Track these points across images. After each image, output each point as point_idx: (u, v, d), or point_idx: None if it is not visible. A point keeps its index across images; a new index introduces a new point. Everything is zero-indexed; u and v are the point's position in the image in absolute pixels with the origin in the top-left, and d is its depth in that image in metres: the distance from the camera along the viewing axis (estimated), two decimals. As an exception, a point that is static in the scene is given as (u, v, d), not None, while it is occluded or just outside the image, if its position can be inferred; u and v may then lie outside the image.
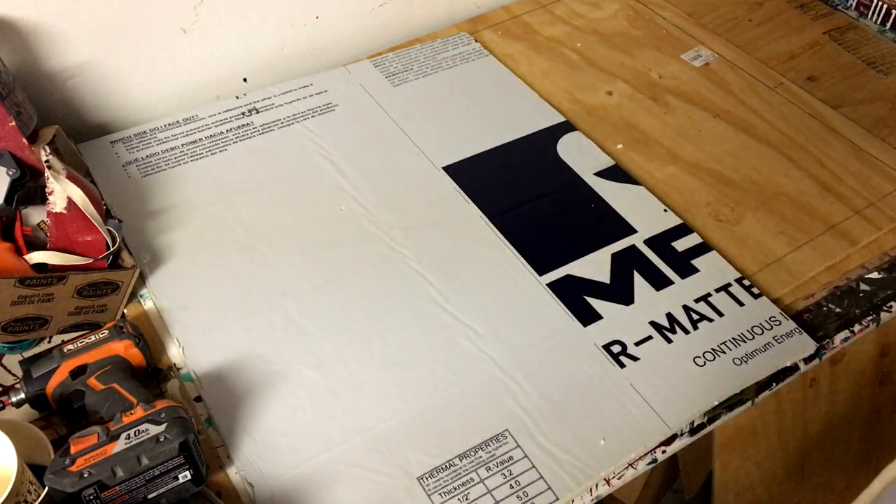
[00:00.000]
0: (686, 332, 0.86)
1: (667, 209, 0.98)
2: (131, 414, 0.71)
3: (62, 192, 0.81)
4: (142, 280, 0.89)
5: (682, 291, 0.90)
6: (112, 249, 0.84)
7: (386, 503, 0.73)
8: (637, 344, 0.85)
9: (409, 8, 1.23)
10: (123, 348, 0.78)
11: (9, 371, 0.83)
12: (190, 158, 1.02)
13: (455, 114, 1.10)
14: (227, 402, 0.79)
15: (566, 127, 1.08)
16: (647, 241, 0.94)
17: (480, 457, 0.76)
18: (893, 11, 1.25)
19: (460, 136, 1.07)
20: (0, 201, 0.83)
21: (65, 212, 0.81)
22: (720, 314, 0.88)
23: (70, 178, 0.82)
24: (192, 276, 0.89)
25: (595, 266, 0.92)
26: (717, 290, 0.90)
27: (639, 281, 0.91)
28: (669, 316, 0.87)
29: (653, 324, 0.87)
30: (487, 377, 0.82)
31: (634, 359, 0.84)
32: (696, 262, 0.92)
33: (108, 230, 0.84)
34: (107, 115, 1.08)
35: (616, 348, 0.85)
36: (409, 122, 1.08)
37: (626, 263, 0.92)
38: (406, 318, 0.86)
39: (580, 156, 1.04)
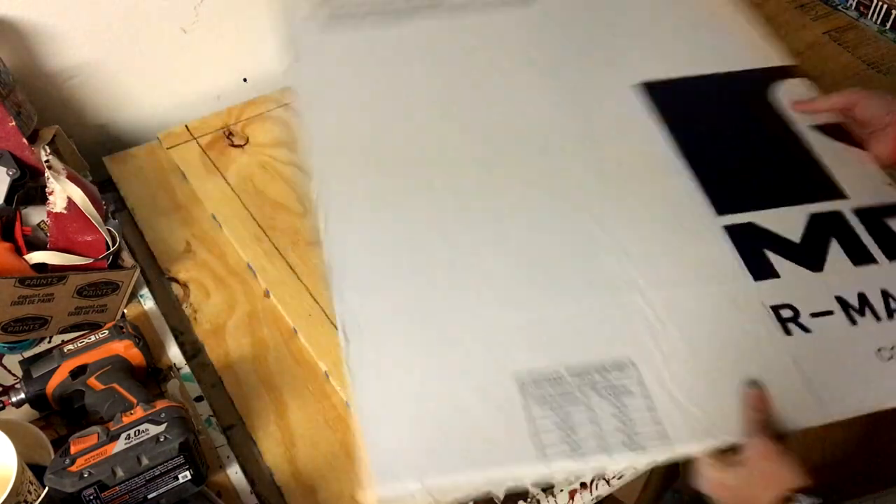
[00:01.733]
0: (877, 318, 0.74)
1: (892, 183, 0.86)
2: (131, 414, 0.71)
3: (62, 192, 0.81)
4: (143, 279, 0.90)
5: (885, 274, 0.78)
6: (112, 249, 0.84)
7: (482, 402, 0.67)
8: (814, 315, 0.74)
9: (409, 8, 1.23)
10: (123, 348, 0.78)
11: (9, 371, 0.83)
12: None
13: (662, 30, 1.01)
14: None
15: (785, 72, 0.96)
16: (858, 212, 0.82)
17: (594, 379, 0.68)
18: (893, 11, 1.25)
19: (666, 53, 0.97)
20: (0, 201, 0.83)
21: (65, 212, 0.81)
22: None
23: (70, 178, 0.83)
24: None
25: (786, 222, 0.81)
26: None
27: (835, 249, 0.79)
28: (862, 296, 0.76)
29: (839, 299, 0.75)
30: (626, 301, 0.74)
31: (806, 330, 0.73)
32: None
33: (108, 230, 0.84)
34: (107, 115, 1.08)
35: (786, 313, 0.74)
36: (612, 29, 0.99)
37: (825, 228, 0.81)
38: (550, 219, 0.79)
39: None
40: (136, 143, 1.08)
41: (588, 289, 0.75)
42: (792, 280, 0.77)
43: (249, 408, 0.82)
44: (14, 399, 0.77)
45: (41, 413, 0.78)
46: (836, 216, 0.82)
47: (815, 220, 0.82)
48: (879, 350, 0.73)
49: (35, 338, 0.84)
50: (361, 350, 0.69)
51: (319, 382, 0.84)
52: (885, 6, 1.25)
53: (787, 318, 0.74)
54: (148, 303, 0.89)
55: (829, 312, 0.75)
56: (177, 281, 0.92)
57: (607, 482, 0.79)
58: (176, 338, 0.86)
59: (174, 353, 0.84)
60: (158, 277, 0.93)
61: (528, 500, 0.77)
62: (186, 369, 0.83)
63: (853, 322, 0.74)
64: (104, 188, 0.95)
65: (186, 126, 1.08)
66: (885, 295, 0.76)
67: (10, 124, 0.85)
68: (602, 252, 0.78)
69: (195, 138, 1.06)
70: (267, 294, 0.91)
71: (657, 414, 0.67)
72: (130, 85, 1.07)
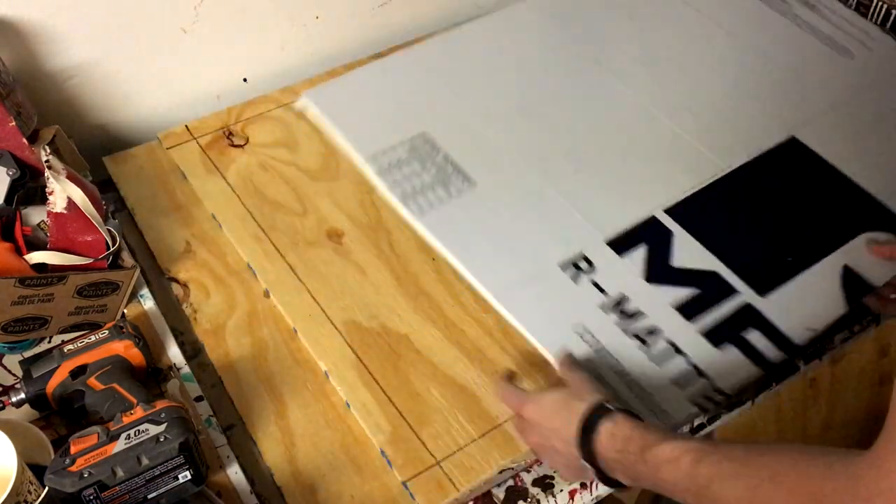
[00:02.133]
0: None
1: None
2: (131, 414, 0.71)
3: (62, 192, 0.81)
4: (143, 279, 0.90)
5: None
6: (112, 249, 0.84)
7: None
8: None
9: (409, 8, 1.23)
10: (123, 348, 0.78)
11: (9, 371, 0.83)
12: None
13: None
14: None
15: None
16: None
17: None
18: (893, 11, 1.25)
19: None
20: (0, 201, 0.83)
21: (65, 212, 0.81)
22: None
23: (70, 178, 0.82)
24: None
25: None
26: None
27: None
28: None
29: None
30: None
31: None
32: None
33: (108, 230, 0.84)
34: (107, 115, 1.08)
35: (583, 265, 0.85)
36: None
37: None
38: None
39: None
40: (136, 143, 1.08)
41: None
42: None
43: (249, 408, 0.82)
44: (14, 399, 0.77)
45: (41, 413, 0.78)
46: None
47: None
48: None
49: (35, 338, 0.84)
50: None
51: (319, 382, 0.84)
52: (885, 6, 1.25)
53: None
54: (148, 303, 0.89)
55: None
56: (177, 281, 0.92)
57: (607, 482, 0.79)
58: (176, 338, 0.86)
59: (174, 353, 0.84)
60: (158, 277, 0.93)
61: (528, 500, 0.77)
62: (186, 369, 0.83)
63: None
64: (104, 188, 0.95)
65: (186, 126, 1.08)
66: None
67: (10, 124, 0.85)
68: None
69: (195, 138, 1.06)
70: (267, 294, 0.91)
71: None
72: (130, 85, 1.07)
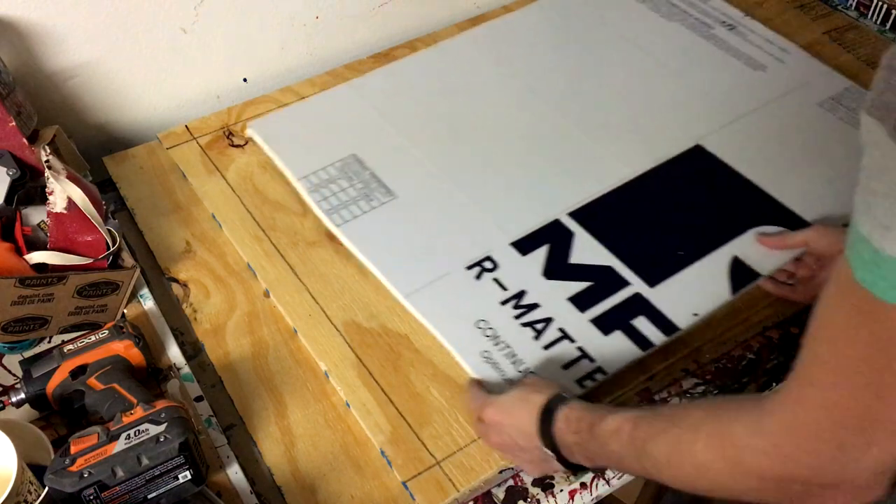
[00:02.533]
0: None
1: None
2: (131, 414, 0.71)
3: (62, 192, 0.81)
4: (143, 279, 0.90)
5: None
6: (112, 249, 0.84)
7: None
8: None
9: (409, 8, 1.23)
10: (123, 348, 0.78)
11: (9, 371, 0.83)
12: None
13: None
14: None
15: None
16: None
17: None
18: (893, 11, 1.25)
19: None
20: (0, 201, 0.83)
21: (65, 212, 0.81)
22: None
23: (70, 178, 0.82)
24: None
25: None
26: None
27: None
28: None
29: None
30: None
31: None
32: None
33: (108, 230, 0.84)
34: (107, 115, 1.08)
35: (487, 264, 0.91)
36: None
37: None
38: None
39: None
40: (136, 143, 1.08)
41: None
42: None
43: (249, 408, 0.82)
44: (14, 399, 0.77)
45: (41, 413, 0.78)
46: None
47: None
48: None
49: (35, 338, 0.84)
50: None
51: (319, 382, 0.84)
52: (885, 6, 1.25)
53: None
54: (148, 303, 0.89)
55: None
56: (177, 281, 0.92)
57: (607, 482, 0.79)
58: (176, 338, 0.86)
59: (174, 353, 0.84)
60: (158, 277, 0.93)
61: (528, 500, 0.77)
62: (186, 369, 0.83)
63: None
64: (104, 188, 0.95)
65: (186, 126, 1.08)
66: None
67: (10, 124, 0.85)
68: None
69: (195, 138, 1.06)
70: (267, 294, 0.91)
71: None
72: (130, 85, 1.07)
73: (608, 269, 0.90)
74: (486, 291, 0.88)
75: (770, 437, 0.54)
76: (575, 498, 0.78)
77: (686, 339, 0.86)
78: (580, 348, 0.83)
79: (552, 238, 0.92)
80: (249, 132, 1.06)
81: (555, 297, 0.87)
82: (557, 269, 0.90)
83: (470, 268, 0.90)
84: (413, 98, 1.09)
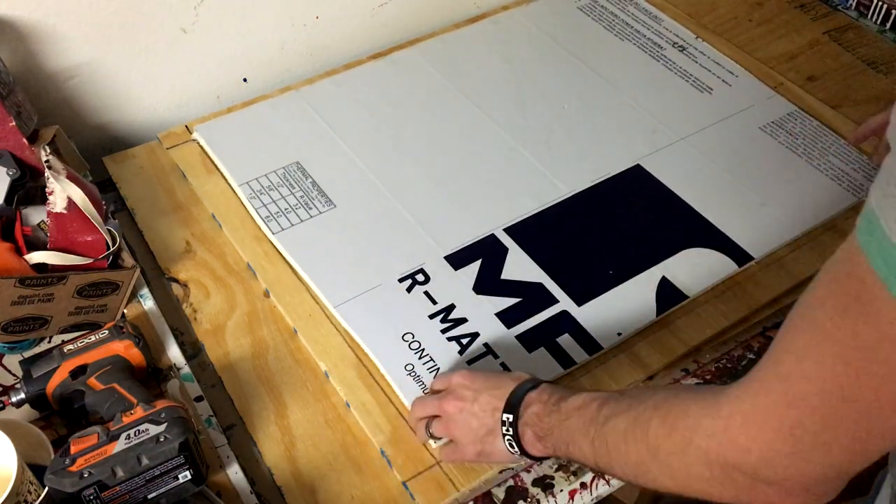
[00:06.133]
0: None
1: None
2: (131, 414, 0.71)
3: (62, 192, 0.81)
4: (143, 279, 0.90)
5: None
6: (112, 249, 0.84)
7: None
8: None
9: (409, 8, 1.23)
10: (123, 348, 0.78)
11: (9, 371, 0.83)
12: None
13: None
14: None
15: None
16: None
17: None
18: (893, 11, 1.25)
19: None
20: (0, 201, 0.83)
21: (65, 212, 0.81)
22: None
23: (70, 178, 0.83)
24: None
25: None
26: None
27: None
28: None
29: None
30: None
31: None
32: None
33: (108, 230, 0.84)
34: (107, 115, 1.08)
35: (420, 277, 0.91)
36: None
37: None
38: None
39: None
40: (136, 143, 1.08)
41: None
42: None
43: (249, 408, 0.82)
44: (14, 399, 0.77)
45: (41, 413, 0.78)
46: None
47: None
48: None
49: (35, 338, 0.84)
50: None
51: (319, 382, 0.84)
52: (885, 6, 1.25)
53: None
54: (148, 303, 0.89)
55: None
56: (177, 281, 0.92)
57: (607, 482, 0.79)
58: (176, 338, 0.86)
59: (174, 353, 0.84)
60: (158, 277, 0.93)
61: (528, 500, 0.77)
62: (186, 369, 0.83)
63: None
64: (104, 188, 0.95)
65: (186, 126, 1.08)
66: None
67: (10, 124, 0.85)
68: None
69: (195, 138, 1.06)
70: (267, 294, 0.91)
71: None
72: (130, 85, 1.07)
73: (538, 286, 0.89)
74: (415, 304, 0.88)
75: (723, 421, 0.53)
76: (575, 498, 0.78)
77: (686, 339, 0.86)
78: (503, 364, 0.83)
79: (486, 253, 0.92)
80: (195, 135, 1.05)
81: (483, 312, 0.87)
82: (488, 284, 0.90)
83: (402, 280, 0.90)
84: (360, 108, 1.09)
